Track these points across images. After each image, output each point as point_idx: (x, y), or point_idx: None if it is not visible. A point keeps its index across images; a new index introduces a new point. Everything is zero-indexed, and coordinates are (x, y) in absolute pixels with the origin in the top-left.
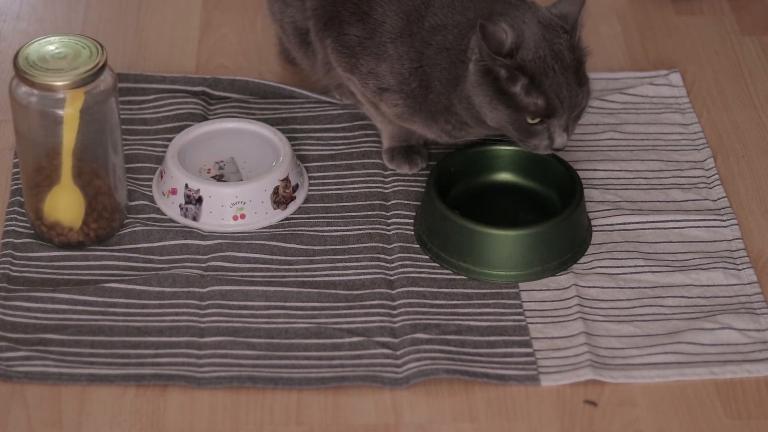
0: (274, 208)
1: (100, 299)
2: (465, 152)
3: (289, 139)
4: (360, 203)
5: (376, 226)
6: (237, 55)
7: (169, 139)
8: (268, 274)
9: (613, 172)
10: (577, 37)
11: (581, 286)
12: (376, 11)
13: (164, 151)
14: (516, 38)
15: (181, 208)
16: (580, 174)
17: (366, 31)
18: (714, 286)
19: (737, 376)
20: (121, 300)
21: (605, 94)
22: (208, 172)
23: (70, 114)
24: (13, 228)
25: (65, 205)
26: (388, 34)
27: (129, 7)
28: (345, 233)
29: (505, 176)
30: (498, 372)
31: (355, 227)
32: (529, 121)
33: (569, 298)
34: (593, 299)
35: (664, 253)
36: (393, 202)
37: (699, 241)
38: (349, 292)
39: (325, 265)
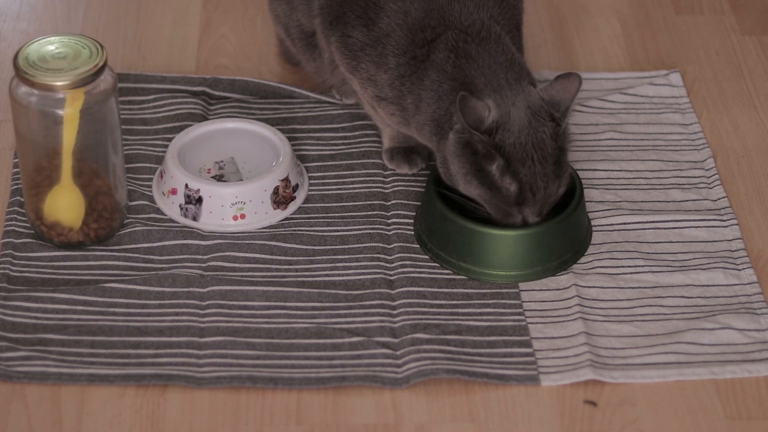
0: (274, 208)
1: (100, 299)
2: None
3: (289, 139)
4: (360, 203)
5: (376, 226)
6: (237, 55)
7: (169, 139)
8: (268, 274)
9: (613, 172)
10: (564, 125)
11: (581, 286)
12: (382, 20)
13: (164, 151)
14: (499, 117)
15: (181, 208)
16: (580, 174)
17: (370, 38)
18: (714, 286)
19: (737, 376)
20: (121, 300)
21: (605, 94)
22: (208, 172)
23: (70, 114)
24: (13, 228)
25: (65, 205)
26: (392, 48)
27: (129, 7)
28: (345, 233)
29: None
30: (498, 372)
31: (355, 227)
32: (503, 203)
33: (569, 298)
34: (593, 299)
35: (664, 253)
36: (393, 202)
37: (699, 241)
38: (349, 292)
39: (325, 265)
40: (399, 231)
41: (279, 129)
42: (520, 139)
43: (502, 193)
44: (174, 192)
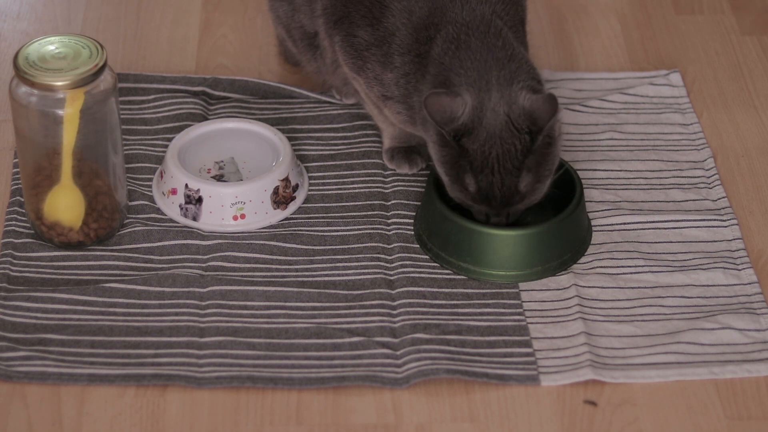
0: (274, 208)
1: (100, 299)
2: None
3: (289, 139)
4: (360, 203)
5: (376, 226)
6: (237, 55)
7: (169, 139)
8: (268, 274)
9: (613, 172)
10: (539, 141)
11: (581, 286)
12: (387, 20)
13: (164, 151)
14: (470, 120)
15: (181, 208)
16: (580, 174)
17: (375, 37)
18: (714, 286)
19: (737, 376)
20: (121, 300)
21: (605, 94)
22: (208, 172)
23: (70, 114)
24: (13, 228)
25: (65, 205)
26: (397, 47)
27: (129, 7)
28: (345, 233)
29: None
30: (498, 372)
31: (355, 227)
32: (464, 196)
33: (569, 298)
34: (593, 299)
35: (664, 253)
36: (393, 202)
37: (699, 241)
38: (349, 292)
39: (325, 265)
40: (399, 231)
41: (279, 129)
42: (484, 147)
43: (467, 189)
44: (174, 192)
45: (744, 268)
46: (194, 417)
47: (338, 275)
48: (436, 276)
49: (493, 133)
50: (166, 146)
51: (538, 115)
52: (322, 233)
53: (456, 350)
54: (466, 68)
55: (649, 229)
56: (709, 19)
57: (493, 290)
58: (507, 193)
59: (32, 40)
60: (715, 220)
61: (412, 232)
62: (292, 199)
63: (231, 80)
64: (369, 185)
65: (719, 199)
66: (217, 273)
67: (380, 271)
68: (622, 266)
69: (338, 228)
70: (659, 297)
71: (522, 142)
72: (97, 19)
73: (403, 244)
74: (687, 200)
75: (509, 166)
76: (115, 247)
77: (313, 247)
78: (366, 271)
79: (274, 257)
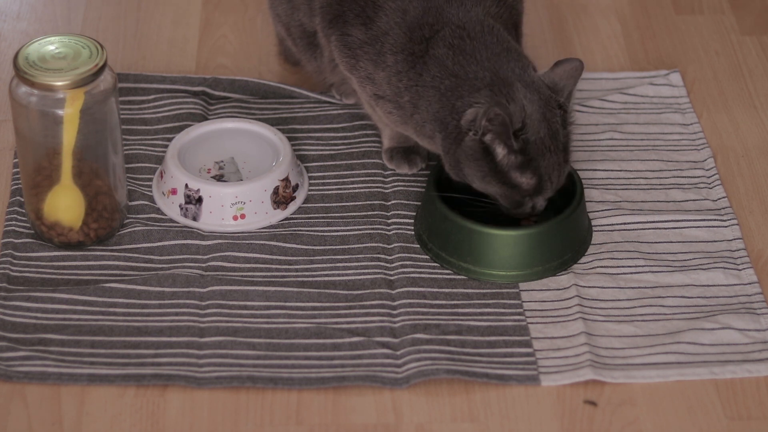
0: (274, 208)
1: (100, 299)
2: None
3: (289, 139)
4: (360, 203)
5: (376, 226)
6: (237, 55)
7: (169, 139)
8: (268, 274)
9: (613, 172)
10: (569, 111)
11: (581, 286)
12: (381, 19)
13: (164, 151)
14: (522, 116)
15: (181, 208)
16: (580, 174)
17: (368, 36)
18: (714, 286)
19: (737, 376)
20: (121, 300)
21: (605, 94)
22: (208, 172)
23: (70, 114)
24: (13, 228)
25: (65, 205)
26: (389, 46)
27: (129, 7)
28: (345, 233)
29: None
30: (498, 372)
31: (355, 227)
32: (520, 197)
33: (569, 298)
34: (593, 299)
35: (664, 253)
36: (393, 202)
37: (699, 241)
38: (349, 292)
39: (325, 265)
40: (399, 231)
41: (279, 129)
42: (539, 134)
43: (522, 188)
44: (174, 192)
45: (744, 268)
46: (194, 417)
47: (338, 275)
48: (436, 276)
49: (540, 118)
50: (166, 146)
51: (562, 84)
52: (322, 233)
53: (456, 350)
54: (476, 70)
55: (649, 229)
56: (709, 19)
57: (494, 290)
58: (562, 171)
59: (32, 40)
60: (715, 220)
61: (412, 232)
62: (292, 199)
63: (231, 80)
64: (369, 185)
65: (719, 199)
66: (217, 273)
67: (380, 271)
68: (623, 266)
69: (338, 228)
70: (659, 297)
71: (559, 116)
72: (97, 19)
73: (403, 244)
74: (687, 200)
75: (558, 143)
76: (115, 247)
77: (313, 247)
78: (366, 271)
79: (274, 257)
